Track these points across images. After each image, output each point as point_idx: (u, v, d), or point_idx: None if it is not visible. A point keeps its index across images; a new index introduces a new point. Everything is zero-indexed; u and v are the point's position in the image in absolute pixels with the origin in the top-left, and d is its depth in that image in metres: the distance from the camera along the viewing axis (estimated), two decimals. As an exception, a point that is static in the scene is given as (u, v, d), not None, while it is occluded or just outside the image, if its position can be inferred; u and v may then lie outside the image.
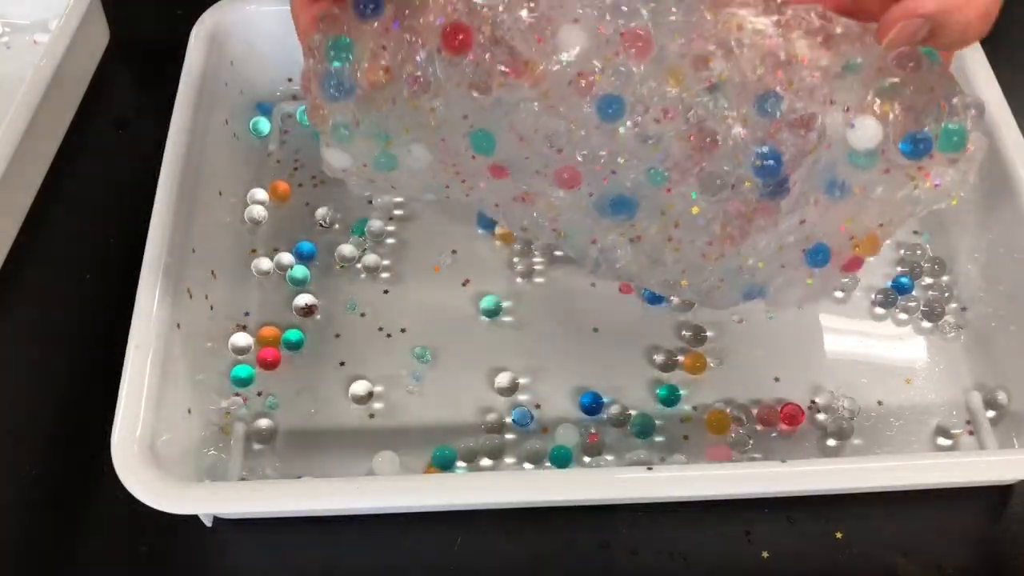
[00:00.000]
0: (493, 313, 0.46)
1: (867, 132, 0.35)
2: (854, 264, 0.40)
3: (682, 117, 0.37)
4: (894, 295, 0.47)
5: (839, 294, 0.48)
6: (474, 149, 0.39)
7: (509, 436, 0.43)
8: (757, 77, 0.36)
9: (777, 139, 0.37)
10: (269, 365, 0.45)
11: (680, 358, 0.45)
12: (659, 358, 0.45)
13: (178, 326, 0.42)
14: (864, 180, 0.36)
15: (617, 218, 0.39)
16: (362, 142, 0.39)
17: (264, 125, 0.53)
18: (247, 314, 0.47)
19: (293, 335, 0.45)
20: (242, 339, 0.45)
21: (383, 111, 0.38)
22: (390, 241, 0.49)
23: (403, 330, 0.46)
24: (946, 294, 0.47)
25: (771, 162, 0.37)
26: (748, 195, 0.38)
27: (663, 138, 0.37)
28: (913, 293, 0.47)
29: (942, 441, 0.43)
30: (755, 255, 0.39)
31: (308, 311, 0.47)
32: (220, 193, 0.48)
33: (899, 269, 0.48)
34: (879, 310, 0.47)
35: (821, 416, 0.44)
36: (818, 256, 0.39)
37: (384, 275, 0.48)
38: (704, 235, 0.39)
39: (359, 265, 0.48)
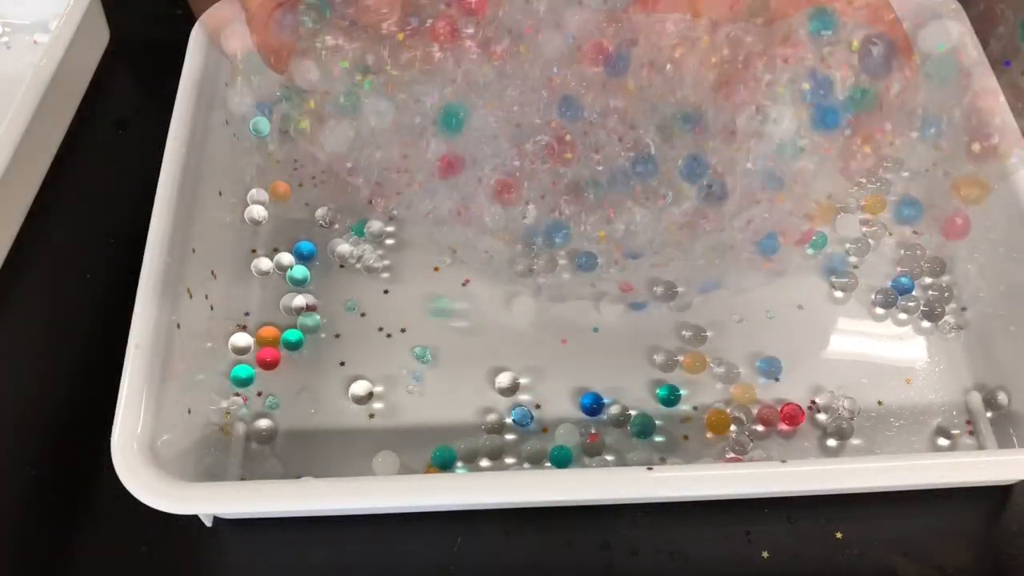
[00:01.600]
0: (443, 313, 0.46)
1: (783, 123, 0.38)
2: (807, 236, 0.43)
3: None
4: (894, 295, 0.47)
5: (839, 294, 0.48)
6: (440, 126, 0.39)
7: (509, 436, 0.43)
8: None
9: (704, 149, 0.39)
10: (269, 365, 0.45)
11: (680, 358, 0.45)
12: (659, 358, 0.45)
13: (178, 326, 0.42)
14: (797, 167, 0.39)
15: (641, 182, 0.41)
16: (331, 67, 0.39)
17: (264, 125, 0.53)
18: (247, 314, 0.47)
19: (293, 335, 0.45)
20: (242, 339, 0.45)
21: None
22: (390, 242, 0.49)
23: (403, 330, 0.46)
24: (946, 294, 0.47)
25: (696, 167, 0.39)
26: (687, 204, 0.40)
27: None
28: (913, 293, 0.47)
29: (942, 441, 0.43)
30: (705, 255, 0.41)
31: (306, 312, 0.47)
32: (220, 193, 0.48)
33: (899, 269, 0.48)
34: (879, 310, 0.47)
35: (821, 416, 0.44)
36: (770, 245, 0.41)
37: (384, 275, 0.48)
38: (655, 235, 0.42)
39: (358, 265, 0.48)
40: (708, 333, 0.46)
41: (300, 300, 0.47)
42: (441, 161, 0.39)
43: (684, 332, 0.46)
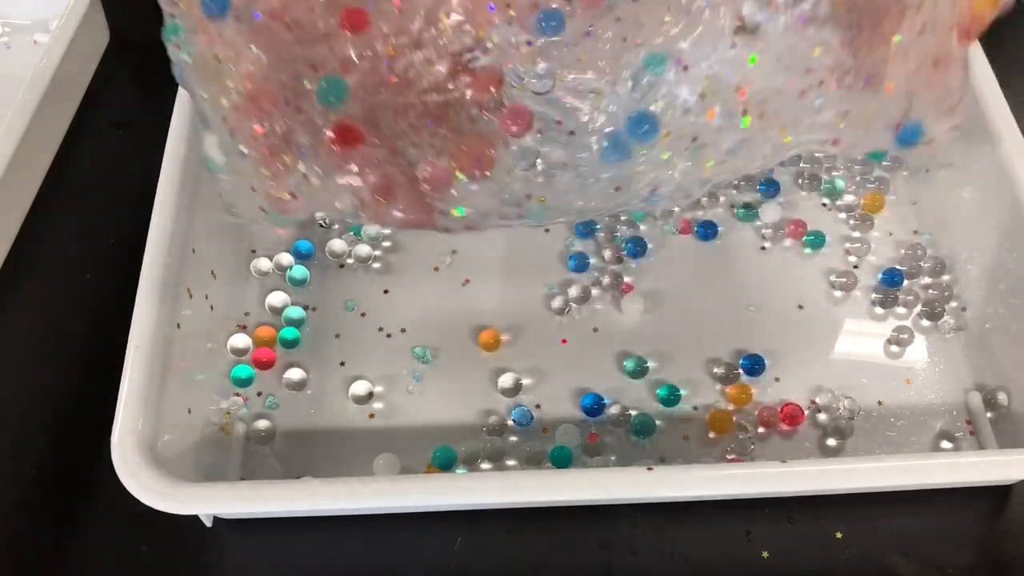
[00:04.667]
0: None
1: None
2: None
3: None
4: (894, 295, 0.47)
5: (838, 294, 0.48)
6: (320, 100, 0.34)
7: (510, 438, 0.43)
8: None
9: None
10: (264, 365, 0.45)
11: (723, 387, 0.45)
12: (719, 371, 0.45)
13: (178, 326, 0.42)
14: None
15: (641, 142, 0.34)
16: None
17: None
18: (247, 314, 0.47)
19: (289, 333, 0.45)
20: (242, 340, 0.45)
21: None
22: (387, 244, 0.49)
23: (403, 330, 0.46)
24: (946, 294, 0.47)
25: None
26: None
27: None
28: (905, 284, 0.47)
29: (945, 444, 0.43)
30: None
31: (290, 307, 0.47)
32: (220, 193, 0.48)
33: (898, 268, 0.48)
34: (879, 310, 0.47)
35: (821, 416, 0.44)
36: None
37: (384, 275, 0.48)
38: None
39: (350, 260, 0.48)
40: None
41: (277, 298, 0.47)
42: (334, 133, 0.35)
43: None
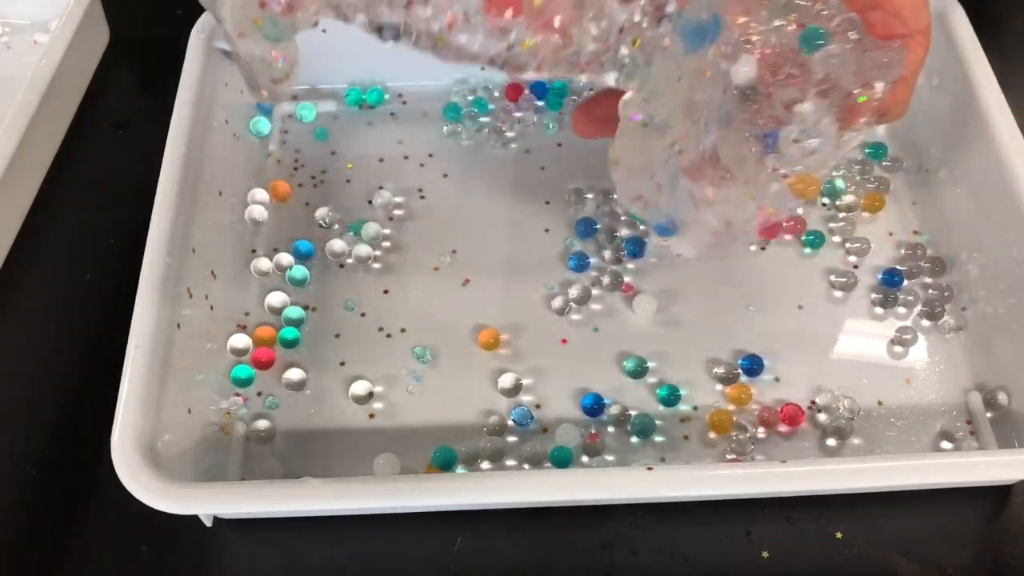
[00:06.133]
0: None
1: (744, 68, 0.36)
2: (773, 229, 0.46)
3: None
4: (894, 295, 0.47)
5: (838, 294, 0.48)
6: None
7: (510, 438, 0.43)
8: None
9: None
10: (264, 365, 0.45)
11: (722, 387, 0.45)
12: (720, 371, 0.45)
13: (178, 326, 0.42)
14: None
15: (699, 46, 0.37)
16: None
17: (264, 125, 0.53)
18: (247, 314, 0.47)
19: (289, 333, 0.45)
20: (242, 340, 0.45)
21: None
22: (388, 244, 0.49)
23: (403, 330, 0.46)
24: (946, 294, 0.47)
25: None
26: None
27: None
28: (905, 284, 0.47)
29: (945, 444, 0.43)
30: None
31: (290, 307, 0.47)
32: (220, 193, 0.48)
33: (898, 268, 0.48)
34: (879, 310, 0.47)
35: (821, 416, 0.44)
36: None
37: (384, 275, 0.48)
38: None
39: (351, 259, 0.48)
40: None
41: (277, 298, 0.47)
42: None
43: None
